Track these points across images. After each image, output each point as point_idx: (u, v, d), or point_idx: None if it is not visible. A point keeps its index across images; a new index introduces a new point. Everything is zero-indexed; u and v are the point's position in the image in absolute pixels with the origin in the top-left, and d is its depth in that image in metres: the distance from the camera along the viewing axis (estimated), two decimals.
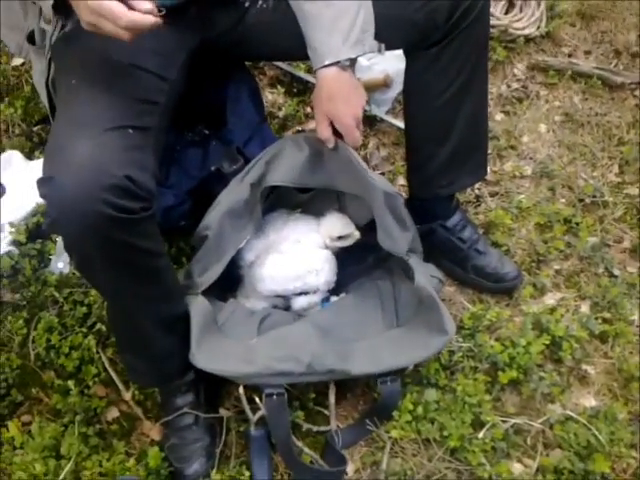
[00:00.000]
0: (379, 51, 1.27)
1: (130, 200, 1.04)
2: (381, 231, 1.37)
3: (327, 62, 1.22)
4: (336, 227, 1.47)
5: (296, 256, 1.44)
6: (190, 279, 1.36)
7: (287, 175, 1.40)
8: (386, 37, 1.26)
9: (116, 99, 1.11)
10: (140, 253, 1.13)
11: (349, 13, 1.22)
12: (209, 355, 1.27)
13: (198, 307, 1.31)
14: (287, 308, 1.48)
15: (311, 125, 1.88)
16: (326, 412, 1.37)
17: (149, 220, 1.11)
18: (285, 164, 1.40)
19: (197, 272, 1.36)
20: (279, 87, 2.00)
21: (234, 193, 1.40)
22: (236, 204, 1.38)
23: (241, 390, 1.29)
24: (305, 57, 1.28)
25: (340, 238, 1.47)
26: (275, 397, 1.26)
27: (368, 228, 1.44)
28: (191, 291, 1.34)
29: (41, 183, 1.05)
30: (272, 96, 1.99)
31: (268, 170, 1.40)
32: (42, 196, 1.05)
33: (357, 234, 1.46)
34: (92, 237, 1.04)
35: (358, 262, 1.55)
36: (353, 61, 1.25)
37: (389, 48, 1.30)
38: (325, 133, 1.30)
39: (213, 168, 1.53)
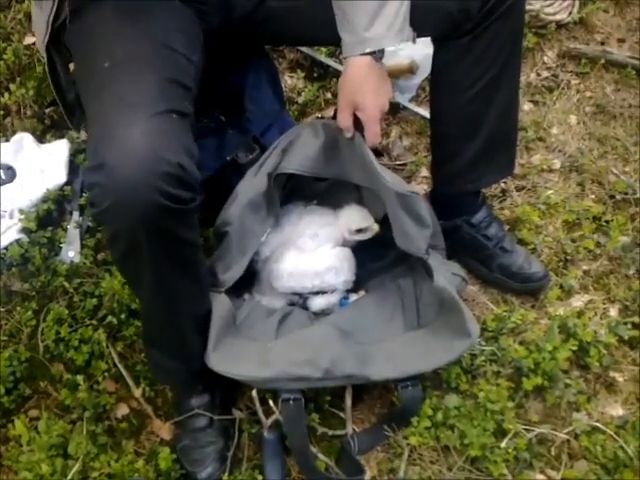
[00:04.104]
0: (412, 40, 1.20)
1: (182, 189, 1.01)
2: (396, 230, 1.31)
3: (368, 50, 1.16)
4: (354, 220, 1.42)
5: (315, 253, 1.39)
6: (214, 277, 1.30)
7: (301, 163, 1.34)
8: (417, 25, 1.20)
9: (157, 81, 1.06)
10: (185, 245, 1.10)
11: None
12: (225, 357, 1.23)
13: (220, 307, 1.26)
14: (304, 307, 1.43)
15: (332, 112, 1.80)
16: (342, 415, 1.33)
17: (194, 211, 1.07)
18: (300, 151, 1.34)
19: (221, 270, 1.31)
20: (299, 71, 1.92)
21: (252, 185, 1.34)
22: (255, 196, 1.33)
23: (254, 393, 1.25)
24: (328, 43, 1.22)
25: (359, 231, 1.41)
26: (292, 402, 1.22)
27: (388, 221, 1.38)
28: (214, 289, 1.29)
29: (92, 171, 1.00)
30: (291, 80, 1.92)
31: (284, 158, 1.35)
32: (92, 185, 1.00)
33: (376, 227, 1.41)
34: (144, 227, 1.01)
35: (378, 258, 1.50)
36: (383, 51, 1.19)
37: (419, 36, 1.24)
38: (346, 122, 1.24)
39: (228, 158, 1.48)
